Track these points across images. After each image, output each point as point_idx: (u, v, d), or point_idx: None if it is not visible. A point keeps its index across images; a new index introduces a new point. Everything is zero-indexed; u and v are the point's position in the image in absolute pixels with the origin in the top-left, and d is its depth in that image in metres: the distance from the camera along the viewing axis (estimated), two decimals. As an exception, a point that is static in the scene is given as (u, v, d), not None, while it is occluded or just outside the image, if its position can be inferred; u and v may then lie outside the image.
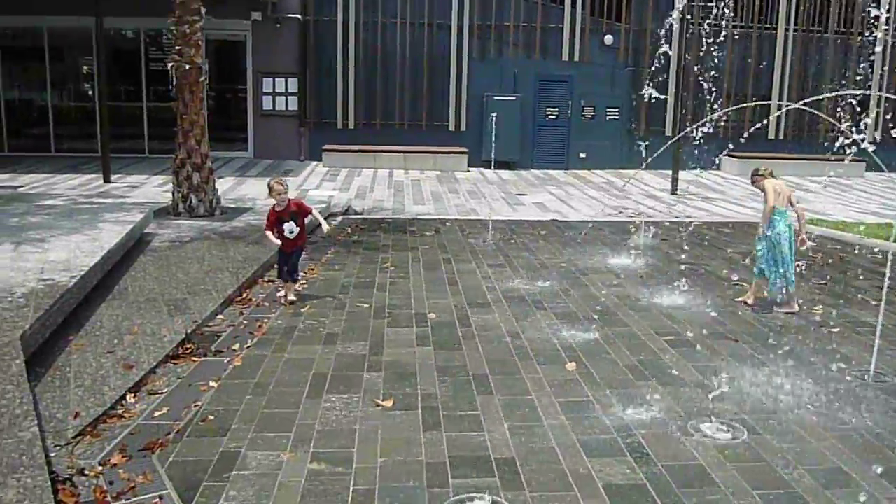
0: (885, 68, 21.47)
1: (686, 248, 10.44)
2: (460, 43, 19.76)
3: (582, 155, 20.28)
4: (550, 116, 20.16)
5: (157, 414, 4.95)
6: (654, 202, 15.51)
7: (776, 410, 5.21)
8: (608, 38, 19.94)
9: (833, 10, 21.23)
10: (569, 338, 6.63)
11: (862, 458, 4.54)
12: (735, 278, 8.75)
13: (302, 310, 7.24)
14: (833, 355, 6.24)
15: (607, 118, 20.41)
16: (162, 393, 5.28)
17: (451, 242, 10.68)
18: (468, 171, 19.24)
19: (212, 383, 5.41)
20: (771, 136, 20.99)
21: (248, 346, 6.20)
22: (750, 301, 7.79)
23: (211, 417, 4.86)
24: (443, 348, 6.28)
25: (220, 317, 7.03)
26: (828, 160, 18.22)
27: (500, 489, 4.08)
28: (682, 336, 6.75)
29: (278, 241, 7.42)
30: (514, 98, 19.58)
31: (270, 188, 7.36)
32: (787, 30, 21.00)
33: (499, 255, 9.94)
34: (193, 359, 5.93)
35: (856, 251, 10.66)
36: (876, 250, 10.38)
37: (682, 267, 8.80)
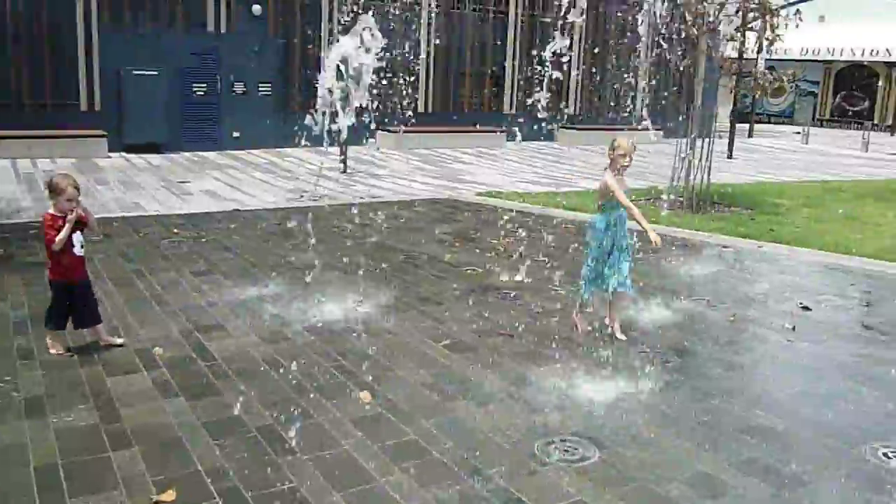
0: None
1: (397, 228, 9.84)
2: (88, 8, 17.00)
3: (236, 134, 18.81)
4: (198, 93, 18.34)
5: None
6: (329, 182, 14.74)
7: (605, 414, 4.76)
8: (256, 8, 18.56)
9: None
10: (343, 356, 5.60)
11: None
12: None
13: (-29, 367, 5.27)
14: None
15: (260, 94, 19.13)
16: None
17: (129, 247, 8.88)
18: (109, 156, 16.77)
19: None
20: (420, 109, 21.29)
21: None
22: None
23: None
24: (197, 396, 4.89)
25: None
26: (476, 132, 18.88)
27: None
28: (458, 339, 6.09)
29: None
30: (155, 73, 17.41)
31: (56, 187, 5.24)
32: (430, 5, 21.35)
33: (198, 259, 8.43)
34: None
35: (554, 222, 10.93)
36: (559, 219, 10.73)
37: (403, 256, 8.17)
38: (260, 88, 19.06)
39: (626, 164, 6.02)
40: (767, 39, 12.61)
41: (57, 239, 5.18)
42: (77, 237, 5.36)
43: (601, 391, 5.14)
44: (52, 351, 5.51)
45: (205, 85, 18.30)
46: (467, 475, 4.01)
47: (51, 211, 5.32)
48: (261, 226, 10.33)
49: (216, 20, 18.22)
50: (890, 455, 4.39)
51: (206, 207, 11.70)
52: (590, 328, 6.32)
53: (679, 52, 14.37)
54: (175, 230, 9.82)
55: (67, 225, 5.20)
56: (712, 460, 4.27)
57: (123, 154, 17.23)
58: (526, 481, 3.97)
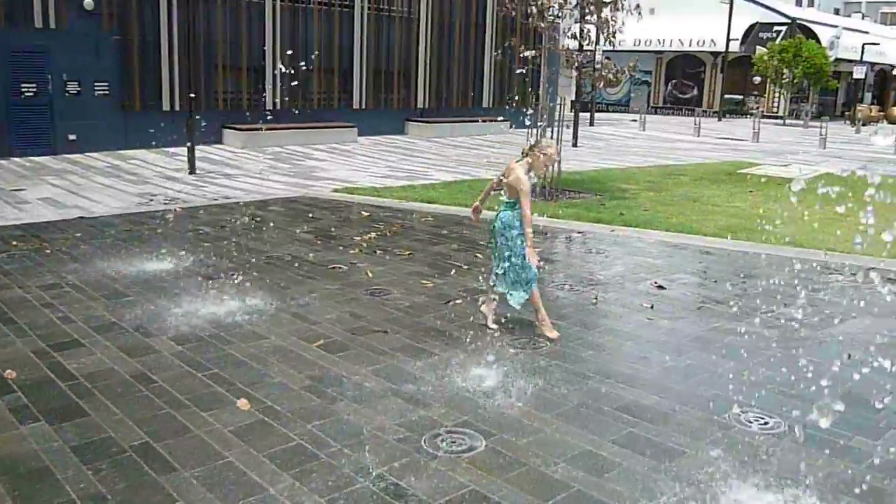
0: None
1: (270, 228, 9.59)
2: None
3: (72, 137, 17.69)
4: (27, 94, 17.11)
5: None
6: (178, 184, 14.16)
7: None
8: (88, 3, 17.50)
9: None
10: (215, 363, 5.41)
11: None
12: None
13: None
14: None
15: (96, 94, 18.08)
16: None
17: (-36, 264, 8.20)
18: (-72, 166, 15.40)
19: None
20: (269, 105, 20.80)
21: None
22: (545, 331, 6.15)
23: None
24: (60, 419, 4.58)
25: None
26: (327, 127, 18.74)
27: None
28: (332, 339, 6.01)
29: None
30: (-23, 73, 16.13)
31: None
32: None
33: (42, 273, 7.89)
34: None
35: (414, 216, 10.97)
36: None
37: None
38: (96, 87, 18.02)
39: (543, 171, 5.81)
40: (610, 32, 13.15)
41: None
42: None
43: (480, 381, 5.22)
44: None
45: (34, 84, 17.10)
46: (358, 475, 3.97)
47: None
48: (110, 233, 9.78)
49: (44, 15, 17.04)
50: (751, 419, 4.72)
51: (46, 217, 10.96)
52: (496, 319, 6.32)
53: (523, 45, 14.78)
54: (14, 242, 9.15)
55: None
56: (594, 439, 4.43)
57: (-56, 162, 15.88)
58: (417, 476, 3.98)
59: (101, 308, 6.71)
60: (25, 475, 3.94)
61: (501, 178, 6.07)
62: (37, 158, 16.96)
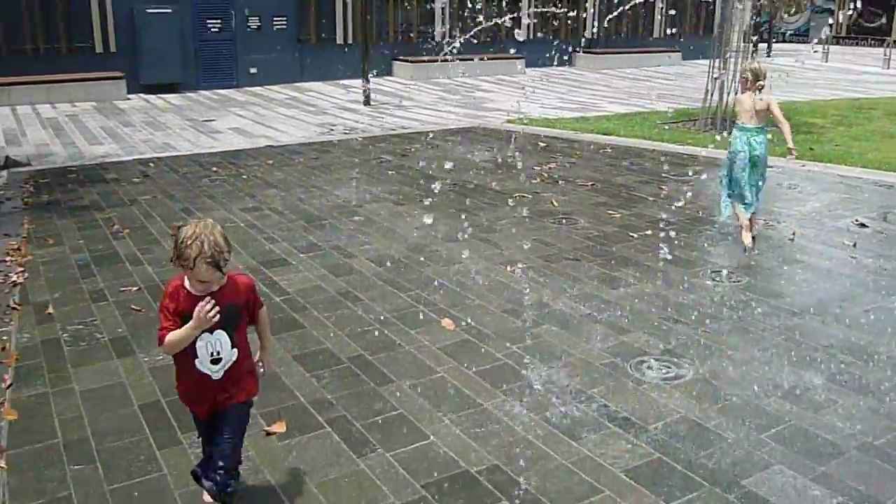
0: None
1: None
2: (96, -53, 16.62)
3: (253, 70, 18.52)
4: (213, 30, 17.99)
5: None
6: (355, 115, 14.55)
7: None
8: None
9: None
10: (415, 285, 5.58)
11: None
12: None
13: (49, 310, 5.27)
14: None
15: (275, 28, 18.76)
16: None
17: (173, 187, 8.82)
18: (129, 98, 16.56)
19: (-7, 462, 3.53)
20: (437, 38, 20.87)
21: (9, 385, 4.24)
22: (747, 241, 6.39)
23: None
24: (279, 329, 4.88)
25: (-79, 341, 4.81)
26: (494, 58, 18.54)
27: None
28: (526, 265, 6.05)
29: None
30: (169, 10, 17.06)
31: (182, 252, 2.75)
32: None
33: (242, 196, 8.37)
34: (-72, 421, 3.89)
35: (591, 147, 10.79)
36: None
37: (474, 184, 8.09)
38: (275, 22, 18.68)
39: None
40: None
41: (166, 340, 2.80)
42: (215, 340, 2.86)
43: (680, 311, 5.13)
44: None
45: (219, 21, 17.94)
46: (568, 396, 4.01)
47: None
48: (299, 160, 10.22)
49: (228, -47, 17.76)
50: None
51: (237, 145, 11.58)
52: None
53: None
54: (214, 168, 9.74)
55: (191, 323, 2.76)
56: (805, 375, 4.26)
57: (142, 95, 17.01)
58: (627, 400, 3.98)
59: (301, 230, 7.06)
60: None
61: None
62: (222, 91, 17.88)
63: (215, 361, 2.87)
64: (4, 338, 4.83)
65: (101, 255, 6.43)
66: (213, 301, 2.75)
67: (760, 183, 6.44)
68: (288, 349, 4.60)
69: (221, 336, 2.86)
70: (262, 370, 3.09)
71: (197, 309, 2.73)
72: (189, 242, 2.72)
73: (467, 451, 3.51)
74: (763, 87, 6.25)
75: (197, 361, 2.86)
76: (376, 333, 4.81)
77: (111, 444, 3.61)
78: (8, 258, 6.29)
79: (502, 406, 3.92)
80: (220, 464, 2.88)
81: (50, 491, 3.28)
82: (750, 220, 6.43)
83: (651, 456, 3.48)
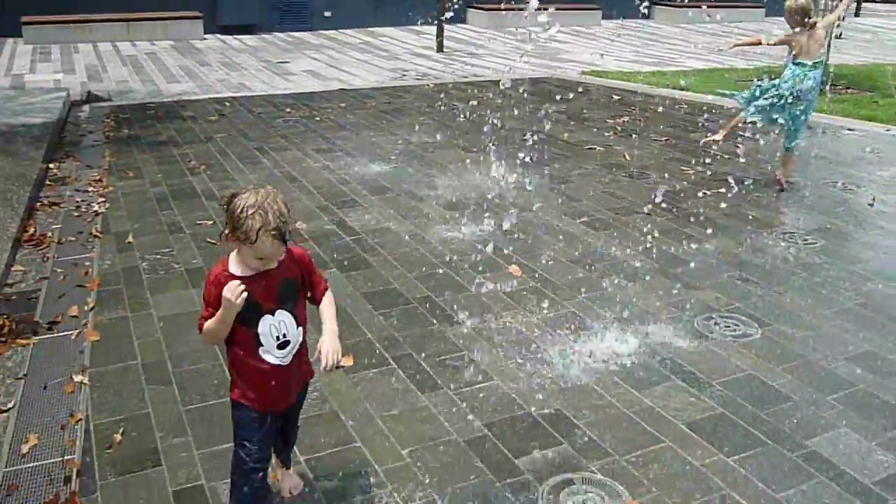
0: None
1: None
2: None
3: (327, 14, 18.54)
4: (290, -28, 18.03)
5: (24, 458, 3.22)
6: (428, 62, 14.50)
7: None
8: None
9: None
10: (483, 231, 5.61)
11: None
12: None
13: (129, 239, 5.46)
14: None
15: (351, -28, 18.69)
16: (5, 410, 3.51)
17: (247, 126, 8.96)
18: (205, 38, 16.78)
19: (77, 378, 3.71)
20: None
21: (92, 308, 4.44)
22: (779, 175, 6.83)
23: (118, 438, 3.27)
24: (349, 268, 4.97)
25: (15, 269, 5.04)
26: (571, 9, 18.13)
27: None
28: (595, 217, 6.01)
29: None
30: (247, -48, 17.16)
31: (240, 224, 2.32)
32: None
33: (315, 138, 8.47)
34: (20, 341, 4.09)
35: (667, 102, 10.57)
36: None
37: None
38: (350, -33, 18.62)
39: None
40: None
41: (205, 327, 2.46)
42: (274, 322, 2.48)
43: (751, 271, 5.05)
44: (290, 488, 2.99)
45: (296, -37, 17.96)
46: (634, 349, 4.02)
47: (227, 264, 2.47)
48: (371, 104, 10.27)
49: None
50: None
51: (310, 87, 11.67)
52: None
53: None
54: (287, 109, 9.86)
55: (225, 307, 2.36)
56: (877, 341, 4.17)
57: (218, 35, 17.21)
58: (692, 354, 3.96)
59: (372, 173, 7.13)
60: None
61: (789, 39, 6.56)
62: (296, 34, 17.96)
63: (282, 346, 2.46)
64: (87, 264, 5.04)
65: (177, 189, 6.61)
66: (240, 283, 2.32)
67: (804, 118, 6.64)
68: (357, 287, 4.70)
69: (285, 317, 2.45)
70: (323, 365, 2.50)
71: (225, 289, 2.30)
72: (252, 212, 2.27)
73: (531, 395, 3.56)
74: (816, 22, 6.39)
75: (262, 350, 2.44)
76: (443, 276, 4.86)
77: (187, 368, 3.77)
78: (90, 188, 6.53)
79: (566, 353, 3.95)
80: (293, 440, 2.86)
81: (129, 408, 3.44)
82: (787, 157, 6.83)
83: (714, 410, 3.48)
